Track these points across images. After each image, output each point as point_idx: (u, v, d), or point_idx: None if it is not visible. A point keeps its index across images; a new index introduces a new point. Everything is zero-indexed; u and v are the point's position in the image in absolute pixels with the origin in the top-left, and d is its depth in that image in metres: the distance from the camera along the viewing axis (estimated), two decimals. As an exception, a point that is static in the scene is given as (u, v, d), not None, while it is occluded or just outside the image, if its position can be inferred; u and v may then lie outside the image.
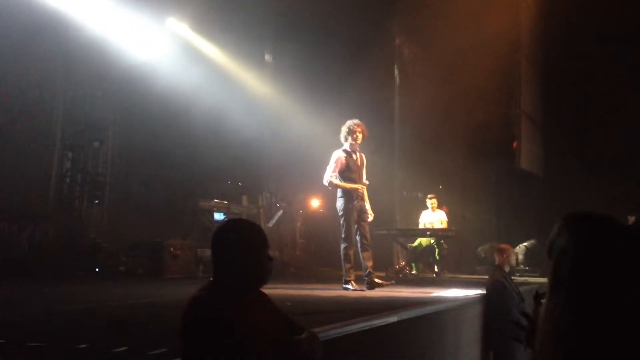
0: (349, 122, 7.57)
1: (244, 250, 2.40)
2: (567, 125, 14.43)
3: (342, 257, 7.37)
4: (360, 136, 7.49)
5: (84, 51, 10.35)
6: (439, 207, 11.34)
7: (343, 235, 7.36)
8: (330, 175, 7.40)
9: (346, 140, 7.54)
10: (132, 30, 10.88)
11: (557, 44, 14.37)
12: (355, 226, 7.38)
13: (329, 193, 12.35)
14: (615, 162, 13.38)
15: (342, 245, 7.36)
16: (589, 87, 14.05)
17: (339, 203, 7.41)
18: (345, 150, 7.52)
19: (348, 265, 7.31)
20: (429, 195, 11.40)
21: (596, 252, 1.45)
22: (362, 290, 7.18)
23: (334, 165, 7.43)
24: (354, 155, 7.51)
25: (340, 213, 7.39)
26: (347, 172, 7.44)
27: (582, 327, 1.40)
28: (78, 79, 10.71)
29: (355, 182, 7.43)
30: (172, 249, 9.20)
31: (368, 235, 7.51)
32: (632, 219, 5.57)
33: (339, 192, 7.44)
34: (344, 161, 7.44)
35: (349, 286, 7.21)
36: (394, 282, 7.49)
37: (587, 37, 13.32)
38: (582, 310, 1.41)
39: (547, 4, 14.02)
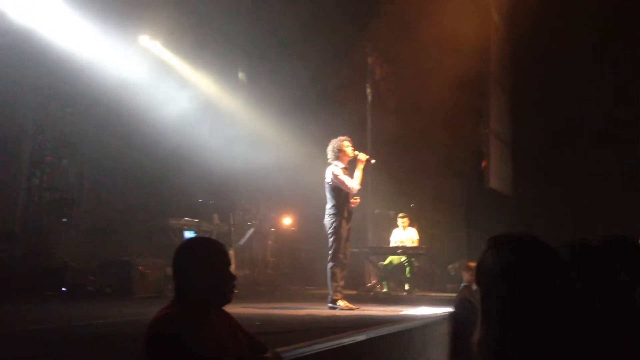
0: (337, 140, 7.49)
1: (204, 268, 2.41)
2: (536, 144, 14.67)
3: (328, 276, 7.23)
4: (350, 150, 7.46)
5: (54, 68, 10.26)
6: (410, 225, 11.44)
7: (331, 254, 7.23)
8: (351, 180, 7.34)
9: (336, 157, 7.43)
10: (103, 48, 10.81)
11: (525, 64, 14.67)
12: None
13: (301, 211, 12.46)
14: (584, 180, 13.63)
15: (329, 265, 7.23)
16: (556, 106, 14.34)
17: (331, 220, 7.28)
18: (337, 166, 7.44)
19: (335, 284, 7.19)
20: (400, 214, 11.49)
21: (521, 271, 1.44)
22: (352, 309, 7.04)
23: (343, 173, 7.36)
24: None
25: (331, 231, 7.24)
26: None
27: (520, 350, 1.38)
28: (47, 96, 10.60)
29: (347, 198, 7.36)
30: (140, 267, 9.07)
31: (348, 255, 7.48)
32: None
33: (331, 210, 7.30)
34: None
35: (336, 306, 7.09)
36: (359, 307, 7.35)
37: (555, 57, 13.60)
38: (517, 332, 1.39)
39: (515, 25, 14.32)
